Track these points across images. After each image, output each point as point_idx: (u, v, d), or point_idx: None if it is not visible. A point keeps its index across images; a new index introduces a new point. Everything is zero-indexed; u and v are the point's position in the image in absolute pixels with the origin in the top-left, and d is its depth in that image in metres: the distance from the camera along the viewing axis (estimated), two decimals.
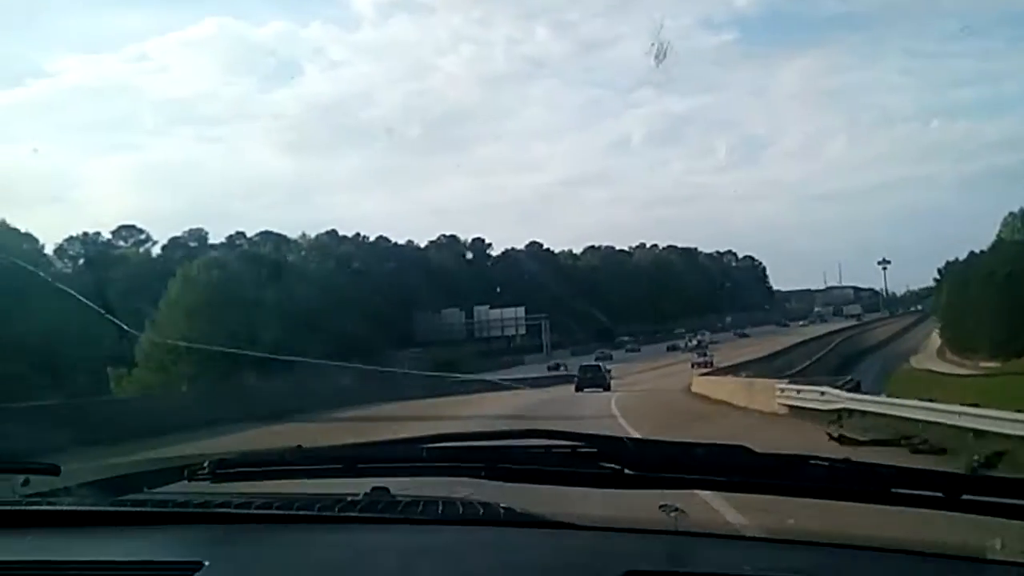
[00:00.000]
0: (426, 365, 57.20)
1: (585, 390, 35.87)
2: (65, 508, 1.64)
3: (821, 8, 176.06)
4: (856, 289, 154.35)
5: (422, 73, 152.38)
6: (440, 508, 1.55)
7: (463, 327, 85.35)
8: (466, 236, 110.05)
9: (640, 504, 1.59)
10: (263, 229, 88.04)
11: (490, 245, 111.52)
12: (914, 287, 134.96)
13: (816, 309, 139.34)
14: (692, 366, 51.09)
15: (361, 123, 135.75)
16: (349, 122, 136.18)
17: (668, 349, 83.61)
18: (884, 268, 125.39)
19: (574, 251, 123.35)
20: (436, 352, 69.31)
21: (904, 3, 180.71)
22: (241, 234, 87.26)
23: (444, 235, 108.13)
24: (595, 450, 1.56)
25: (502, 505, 1.54)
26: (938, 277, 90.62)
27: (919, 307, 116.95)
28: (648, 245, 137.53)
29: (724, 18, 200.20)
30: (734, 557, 1.39)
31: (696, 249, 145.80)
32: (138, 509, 1.64)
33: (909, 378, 54.09)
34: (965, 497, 1.37)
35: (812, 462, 1.45)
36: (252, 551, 1.51)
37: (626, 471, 1.50)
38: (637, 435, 7.98)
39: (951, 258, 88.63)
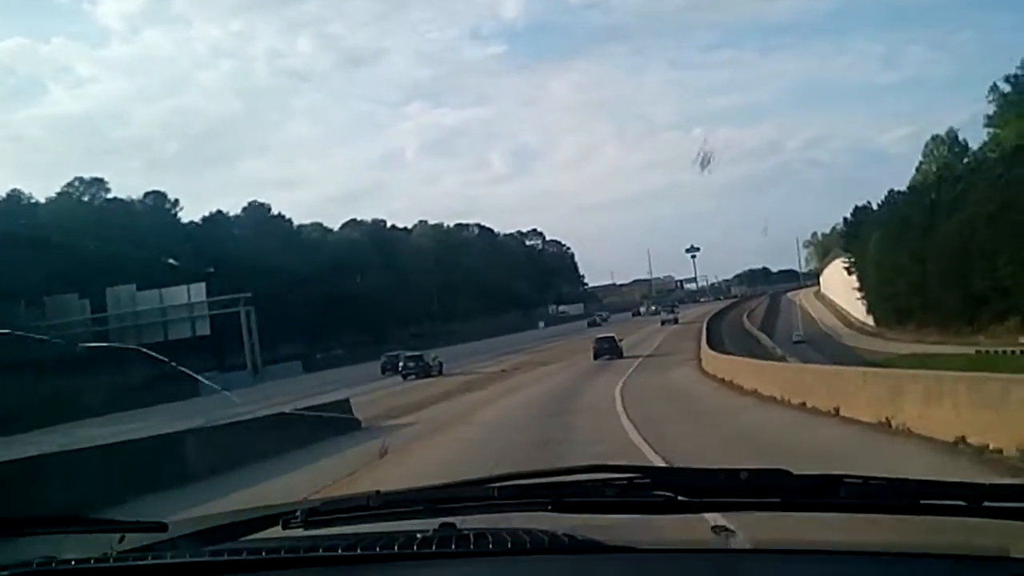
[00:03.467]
0: None
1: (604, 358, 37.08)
2: (162, 561, 1.66)
3: (587, 20, 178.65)
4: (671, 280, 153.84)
5: (179, 88, 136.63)
6: (508, 540, 1.58)
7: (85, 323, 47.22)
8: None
9: (693, 528, 1.74)
10: None
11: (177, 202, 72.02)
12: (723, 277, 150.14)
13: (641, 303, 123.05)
14: None
15: (113, 142, 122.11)
16: (99, 142, 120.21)
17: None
18: (693, 257, 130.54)
19: (325, 224, 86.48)
20: None
21: (666, 14, 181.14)
22: None
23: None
24: (649, 480, 1.66)
25: (565, 535, 1.58)
26: (846, 229, 64.69)
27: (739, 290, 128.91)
28: (432, 222, 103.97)
29: (492, 30, 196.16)
30: (776, 570, 1.51)
31: (495, 231, 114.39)
32: (234, 558, 1.66)
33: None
34: (987, 504, 1.44)
35: (847, 480, 1.52)
36: None
37: (679, 498, 1.59)
38: None
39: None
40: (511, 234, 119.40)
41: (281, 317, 58.90)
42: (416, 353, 42.46)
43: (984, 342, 39.91)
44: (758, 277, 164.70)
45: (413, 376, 38.68)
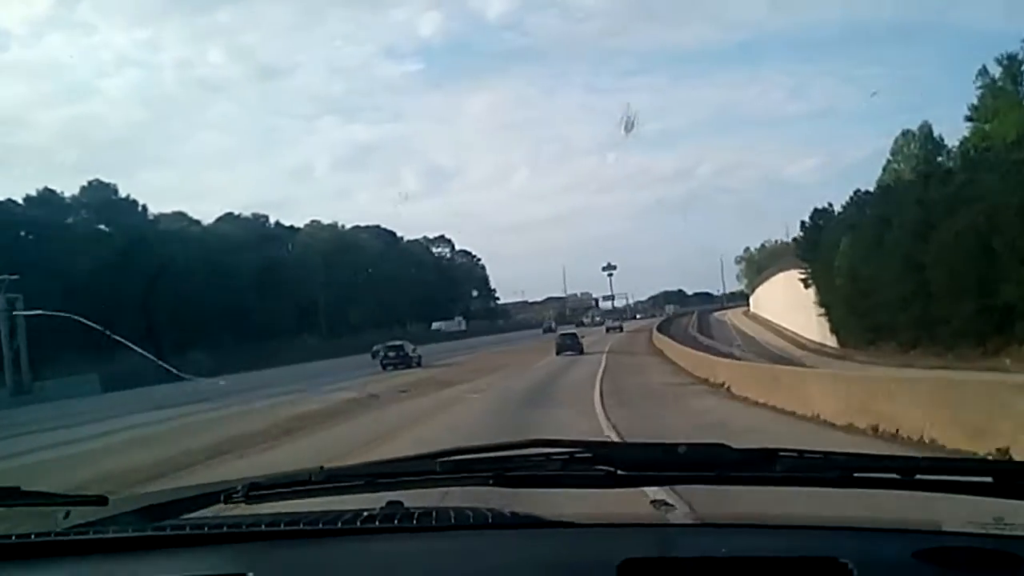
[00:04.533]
0: None
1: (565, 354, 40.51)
2: (104, 536, 1.65)
3: (505, 42, 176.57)
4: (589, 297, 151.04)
5: (82, 96, 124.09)
6: (452, 516, 1.61)
7: None
8: None
9: (633, 501, 1.76)
10: None
11: None
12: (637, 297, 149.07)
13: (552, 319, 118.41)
14: None
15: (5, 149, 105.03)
16: None
17: None
18: (610, 275, 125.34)
19: (192, 215, 72.59)
20: None
21: (583, 39, 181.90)
22: None
23: None
24: (590, 455, 1.64)
25: (508, 510, 1.62)
26: (803, 235, 55.82)
27: (671, 308, 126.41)
28: (325, 221, 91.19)
29: (409, 48, 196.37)
30: (714, 543, 1.50)
31: (398, 235, 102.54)
32: (177, 532, 1.65)
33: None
34: (919, 477, 1.45)
35: (782, 454, 1.53)
36: (285, 565, 1.58)
37: (619, 472, 1.59)
38: None
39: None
40: (416, 240, 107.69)
41: (111, 322, 45.31)
42: (397, 343, 44.55)
43: (1011, 367, 30.83)
44: (673, 298, 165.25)
45: (392, 367, 39.88)
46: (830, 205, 54.27)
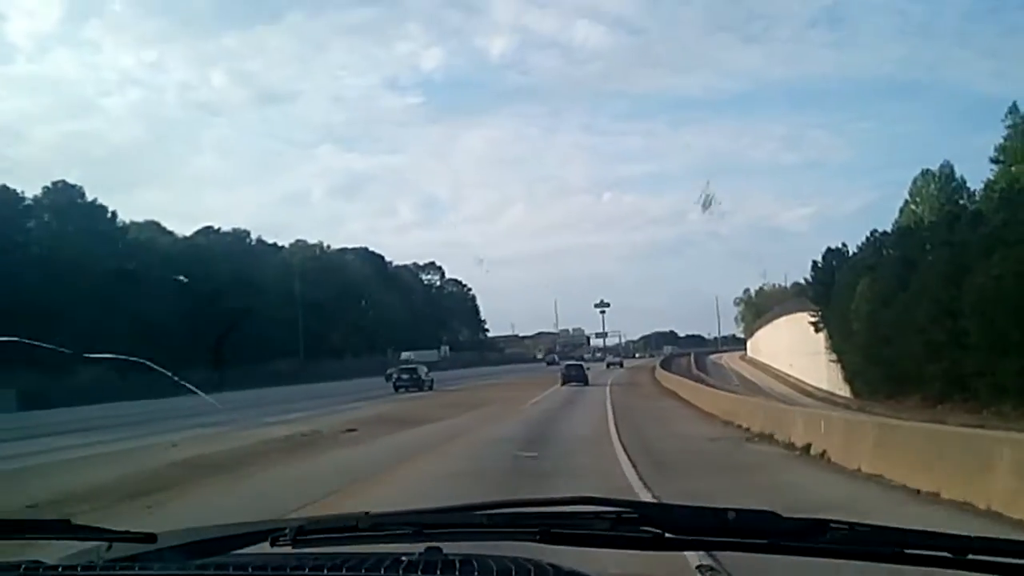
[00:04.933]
0: None
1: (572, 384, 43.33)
2: (149, 572, 1.65)
3: (505, 79, 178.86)
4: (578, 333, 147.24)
5: (83, 112, 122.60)
6: (493, 567, 1.57)
7: None
8: None
9: (678, 564, 1.73)
10: None
11: None
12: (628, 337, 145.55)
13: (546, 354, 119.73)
14: None
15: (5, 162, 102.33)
16: None
17: None
18: (603, 312, 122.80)
19: (166, 226, 68.82)
20: None
21: (582, 80, 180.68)
22: None
23: None
24: (637, 515, 1.63)
25: (549, 563, 1.57)
26: (814, 276, 52.23)
27: (669, 348, 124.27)
28: (311, 241, 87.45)
29: (410, 81, 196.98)
30: None
31: (386, 259, 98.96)
32: (221, 573, 1.65)
33: None
34: (972, 557, 1.43)
35: (833, 525, 1.52)
36: None
37: (666, 535, 1.58)
38: None
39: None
40: (405, 266, 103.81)
41: (57, 332, 41.06)
42: (411, 366, 47.80)
43: None
44: (665, 339, 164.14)
45: (403, 389, 41.58)
46: (844, 245, 50.77)
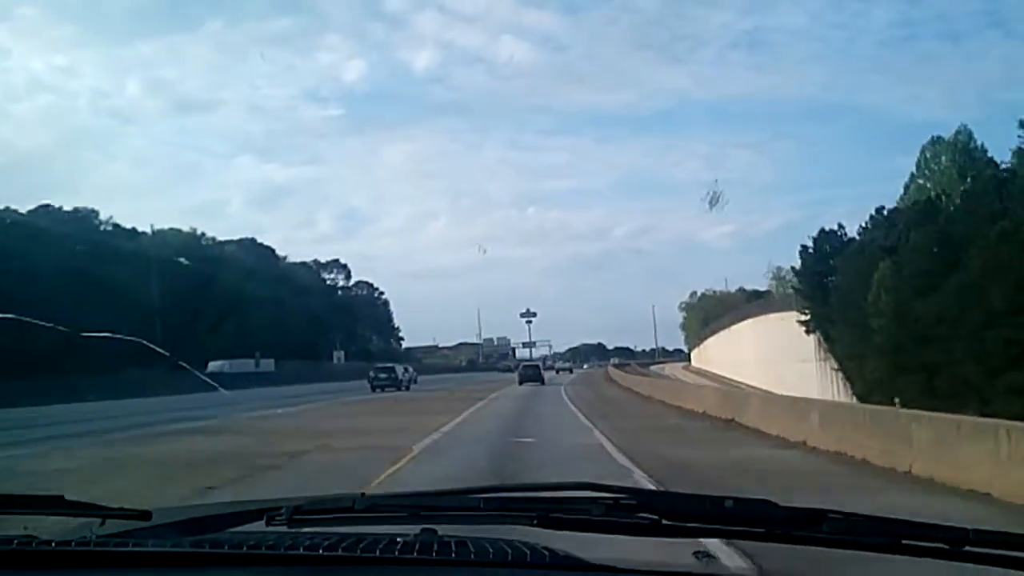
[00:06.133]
0: None
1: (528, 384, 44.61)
2: (143, 549, 1.64)
3: (430, 94, 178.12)
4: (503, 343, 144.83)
5: None
6: (489, 550, 1.58)
7: None
8: None
9: (674, 551, 1.73)
10: None
11: None
12: (556, 349, 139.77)
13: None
14: None
15: None
16: None
17: None
18: (529, 322, 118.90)
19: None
20: None
21: (508, 96, 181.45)
22: None
23: None
24: (635, 502, 1.63)
25: (545, 548, 1.58)
26: (803, 267, 41.44)
27: (615, 359, 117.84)
28: (169, 227, 73.16)
29: (331, 92, 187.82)
30: None
31: (278, 253, 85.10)
32: (215, 551, 1.63)
33: None
34: (968, 549, 1.43)
35: (830, 515, 1.52)
36: None
37: (663, 521, 1.58)
38: None
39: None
40: (303, 263, 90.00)
41: None
42: (389, 365, 48.59)
43: None
44: (593, 352, 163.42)
45: (380, 389, 41.97)
46: (841, 227, 40.26)
